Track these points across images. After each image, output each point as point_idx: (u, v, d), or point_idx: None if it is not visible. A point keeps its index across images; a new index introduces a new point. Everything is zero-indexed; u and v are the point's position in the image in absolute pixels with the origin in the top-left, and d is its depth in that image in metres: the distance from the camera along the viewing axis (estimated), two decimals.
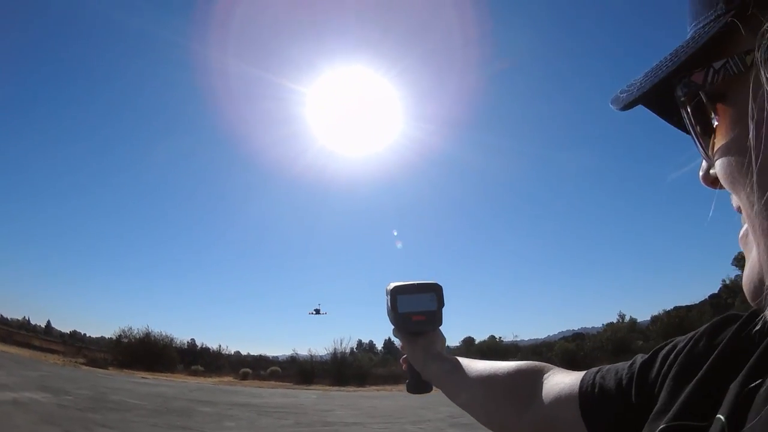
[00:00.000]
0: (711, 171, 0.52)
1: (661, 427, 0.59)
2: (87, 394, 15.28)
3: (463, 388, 1.06)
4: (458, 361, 1.11)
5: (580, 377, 0.83)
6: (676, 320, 29.62)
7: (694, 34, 0.50)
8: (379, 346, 58.80)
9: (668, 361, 0.69)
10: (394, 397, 22.92)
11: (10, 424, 8.87)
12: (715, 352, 0.62)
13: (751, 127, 0.42)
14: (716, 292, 38.09)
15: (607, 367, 0.82)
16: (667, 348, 0.73)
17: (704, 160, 0.54)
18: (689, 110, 0.50)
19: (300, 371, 36.68)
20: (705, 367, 0.61)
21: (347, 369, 35.87)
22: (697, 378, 0.61)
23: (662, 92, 0.51)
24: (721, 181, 0.49)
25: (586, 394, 0.79)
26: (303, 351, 42.02)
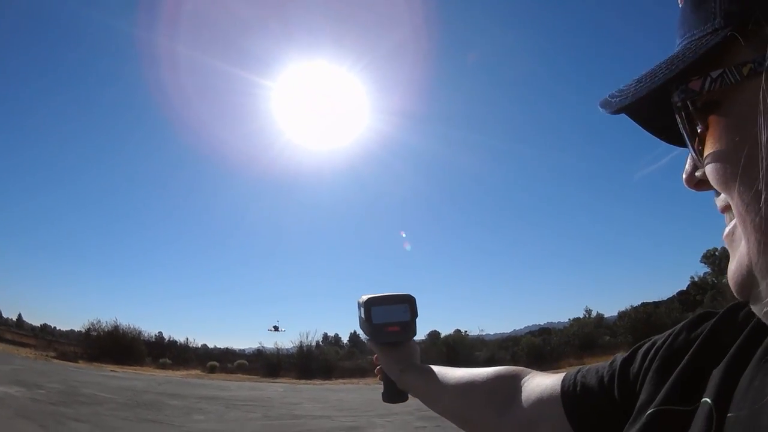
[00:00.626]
0: (696, 173, 0.55)
1: (650, 411, 0.62)
2: (59, 388, 15.27)
3: (440, 396, 1.07)
4: (433, 369, 1.11)
5: (561, 378, 0.85)
6: (643, 316, 29.39)
7: (689, 45, 0.52)
8: (345, 339, 58.89)
9: (649, 357, 0.72)
10: (360, 390, 23.09)
11: None
12: (696, 342, 0.65)
13: (762, 123, 0.45)
14: (684, 288, 37.82)
15: (587, 366, 0.84)
16: (646, 345, 0.75)
17: (687, 164, 0.57)
18: (684, 116, 0.52)
19: (267, 364, 36.77)
20: (687, 356, 0.65)
21: (313, 362, 35.91)
22: (680, 367, 0.64)
23: (655, 99, 0.54)
24: (713, 182, 0.51)
25: (568, 392, 0.81)
26: (269, 344, 41.93)
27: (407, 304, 1.18)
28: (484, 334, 40.56)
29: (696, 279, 36.91)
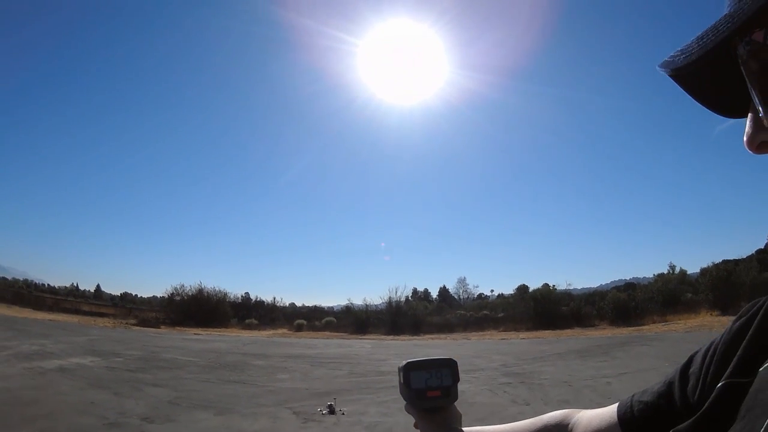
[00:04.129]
0: (759, 135, 0.54)
1: (719, 384, 0.62)
2: (137, 355, 15.45)
3: None
4: (474, 429, 1.05)
5: (615, 406, 0.82)
6: (724, 273, 28.83)
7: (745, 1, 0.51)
8: (434, 294, 59.15)
9: (710, 353, 0.70)
10: (448, 346, 22.80)
11: (57, 391, 8.73)
12: (756, 319, 0.64)
13: None
14: (762, 247, 39.54)
15: (641, 390, 0.80)
16: (704, 347, 0.73)
17: (748, 125, 0.55)
18: (750, 69, 0.52)
19: (355, 321, 37.00)
20: (749, 334, 0.64)
21: (402, 318, 35.89)
22: (743, 344, 0.63)
23: (717, 56, 0.53)
24: None
25: (626, 417, 0.78)
26: (358, 301, 42.30)
27: (449, 368, 1.12)
28: (571, 288, 40.17)
29: None
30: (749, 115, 0.55)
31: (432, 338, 28.72)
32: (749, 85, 0.52)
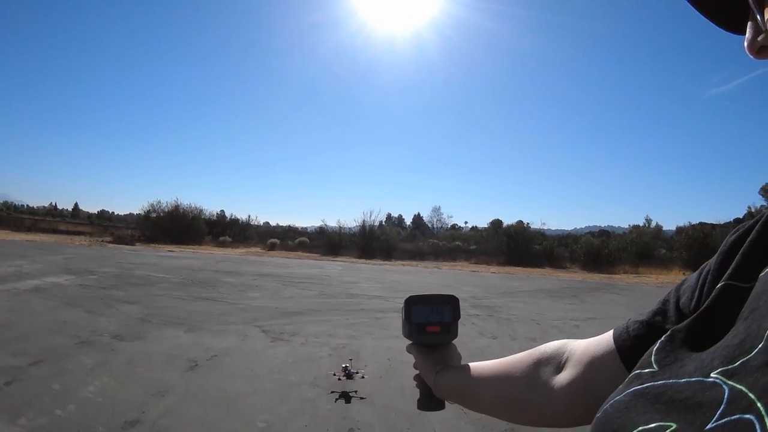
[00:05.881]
0: (759, 38, 0.54)
1: (719, 284, 0.61)
2: (111, 272, 15.52)
3: (483, 386, 0.97)
4: (471, 365, 1.03)
5: (610, 332, 0.80)
6: (700, 235, 29.06)
7: None
8: (408, 221, 59.56)
9: (705, 269, 0.69)
10: (418, 273, 23.12)
11: (31, 311, 8.82)
12: (755, 230, 0.64)
13: None
14: (741, 217, 38.63)
15: (637, 314, 0.78)
16: (700, 268, 0.72)
17: (748, 32, 0.56)
18: None
19: (328, 242, 37.28)
20: (746, 242, 0.63)
21: (375, 242, 36.31)
22: (742, 249, 0.63)
23: None
24: None
25: (621, 338, 0.76)
26: (332, 222, 42.48)
27: (450, 304, 1.13)
28: (545, 228, 40.64)
29: (753, 210, 37.11)
30: (749, 23, 0.57)
31: (403, 264, 29.10)
32: None
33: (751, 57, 0.57)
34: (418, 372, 1.15)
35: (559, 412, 0.83)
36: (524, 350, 0.95)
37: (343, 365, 6.20)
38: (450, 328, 1.11)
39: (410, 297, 1.12)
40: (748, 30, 0.57)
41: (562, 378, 0.84)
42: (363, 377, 6.01)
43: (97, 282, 13.01)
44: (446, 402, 1.09)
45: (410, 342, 1.15)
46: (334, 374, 6.04)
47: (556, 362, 0.87)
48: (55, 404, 4.72)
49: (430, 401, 1.10)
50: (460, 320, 1.12)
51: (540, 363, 0.89)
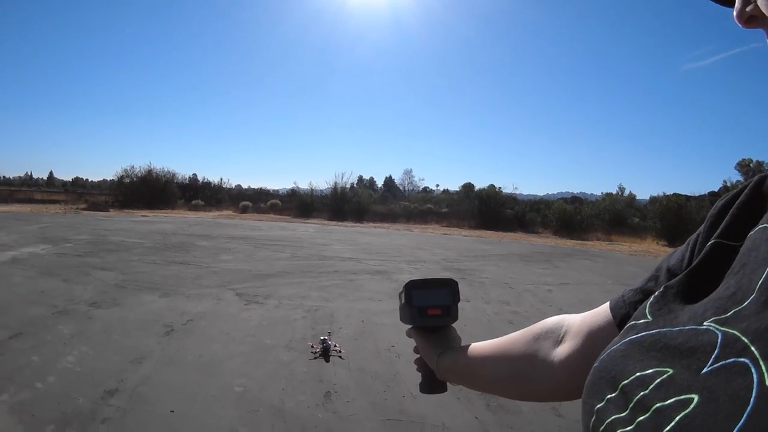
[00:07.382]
0: (747, 8, 0.56)
1: (710, 242, 0.63)
2: (86, 239, 15.48)
3: (485, 370, 0.99)
4: (470, 347, 1.04)
5: (607, 304, 0.81)
6: (675, 205, 28.59)
7: None
8: (380, 183, 59.59)
9: (695, 234, 0.71)
10: (390, 235, 23.31)
11: (9, 283, 8.83)
12: (743, 193, 0.65)
13: None
14: (716, 190, 39.42)
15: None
16: (692, 236, 0.73)
17: (738, 1, 0.57)
18: None
19: (300, 204, 37.30)
20: (736, 204, 0.64)
21: (346, 204, 36.35)
22: (732, 209, 0.64)
23: None
24: (765, 9, 0.53)
25: (617, 307, 0.77)
26: (304, 184, 42.33)
27: (449, 287, 1.14)
28: (517, 192, 40.48)
29: (728, 184, 38.61)
30: None
31: (375, 226, 29.25)
32: None
33: (740, 26, 0.58)
34: (418, 356, 1.17)
35: (560, 385, 0.84)
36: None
37: (322, 338, 6.13)
38: (450, 311, 1.13)
39: (410, 281, 1.14)
40: (737, 1, 0.58)
41: (562, 351, 0.85)
42: (340, 355, 5.85)
43: (73, 250, 12.99)
44: (448, 384, 1.12)
45: (410, 327, 1.18)
46: (312, 347, 6.01)
47: (555, 336, 0.88)
48: (36, 377, 4.81)
49: (432, 384, 1.13)
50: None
51: (539, 338, 0.91)
